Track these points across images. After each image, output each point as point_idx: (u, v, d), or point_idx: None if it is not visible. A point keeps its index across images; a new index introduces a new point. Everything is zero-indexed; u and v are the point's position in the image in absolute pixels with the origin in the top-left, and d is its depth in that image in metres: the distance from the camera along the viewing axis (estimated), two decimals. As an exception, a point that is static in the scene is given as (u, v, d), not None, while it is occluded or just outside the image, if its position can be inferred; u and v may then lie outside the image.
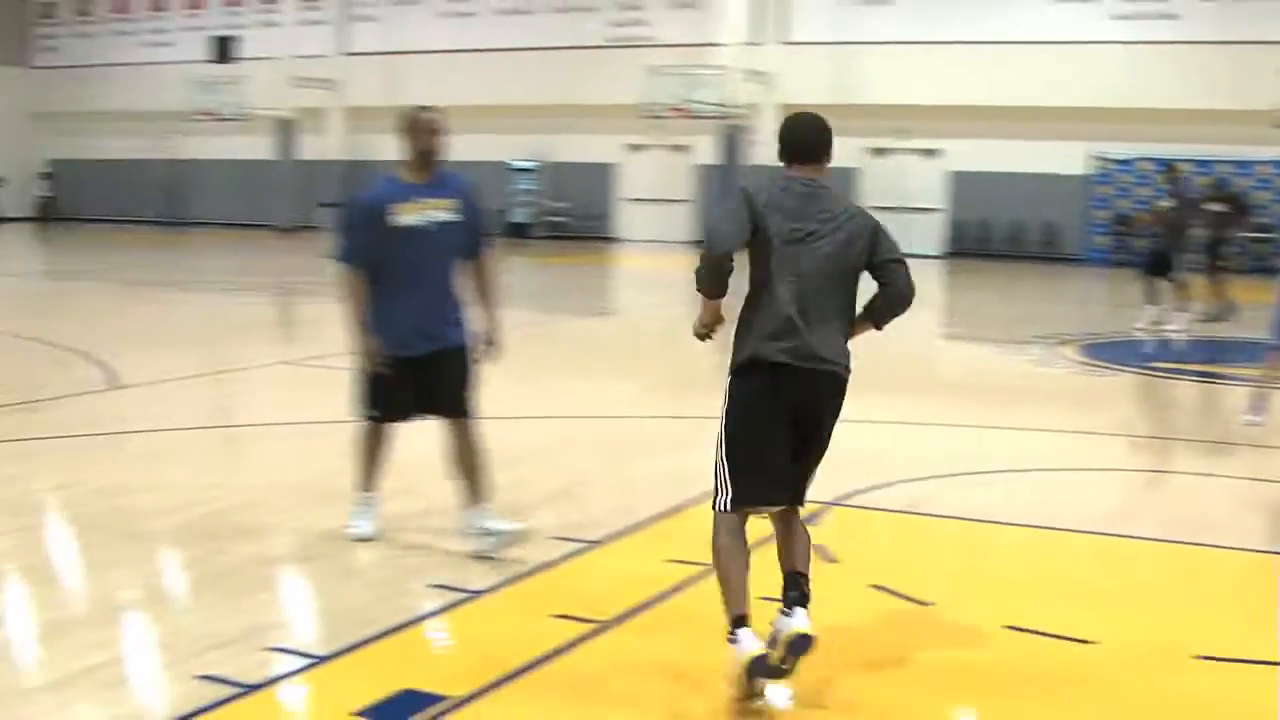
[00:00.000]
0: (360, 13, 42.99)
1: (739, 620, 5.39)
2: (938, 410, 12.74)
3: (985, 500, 9.09)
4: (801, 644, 5.39)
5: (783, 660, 5.38)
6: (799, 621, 5.45)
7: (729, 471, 5.63)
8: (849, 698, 5.55)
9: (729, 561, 5.55)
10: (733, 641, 5.35)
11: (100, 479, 9.19)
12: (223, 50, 41.90)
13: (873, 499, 8.88)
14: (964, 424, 12.01)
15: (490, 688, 5.52)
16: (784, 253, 5.64)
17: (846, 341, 5.78)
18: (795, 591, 5.61)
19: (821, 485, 9.01)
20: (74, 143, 48.18)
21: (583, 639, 6.08)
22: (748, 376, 5.70)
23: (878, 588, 6.96)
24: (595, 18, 39.18)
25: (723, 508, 5.64)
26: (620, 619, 6.18)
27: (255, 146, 42.86)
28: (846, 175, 36.39)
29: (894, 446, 10.89)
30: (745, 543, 5.65)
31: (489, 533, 7.21)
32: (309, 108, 41.57)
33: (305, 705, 5.56)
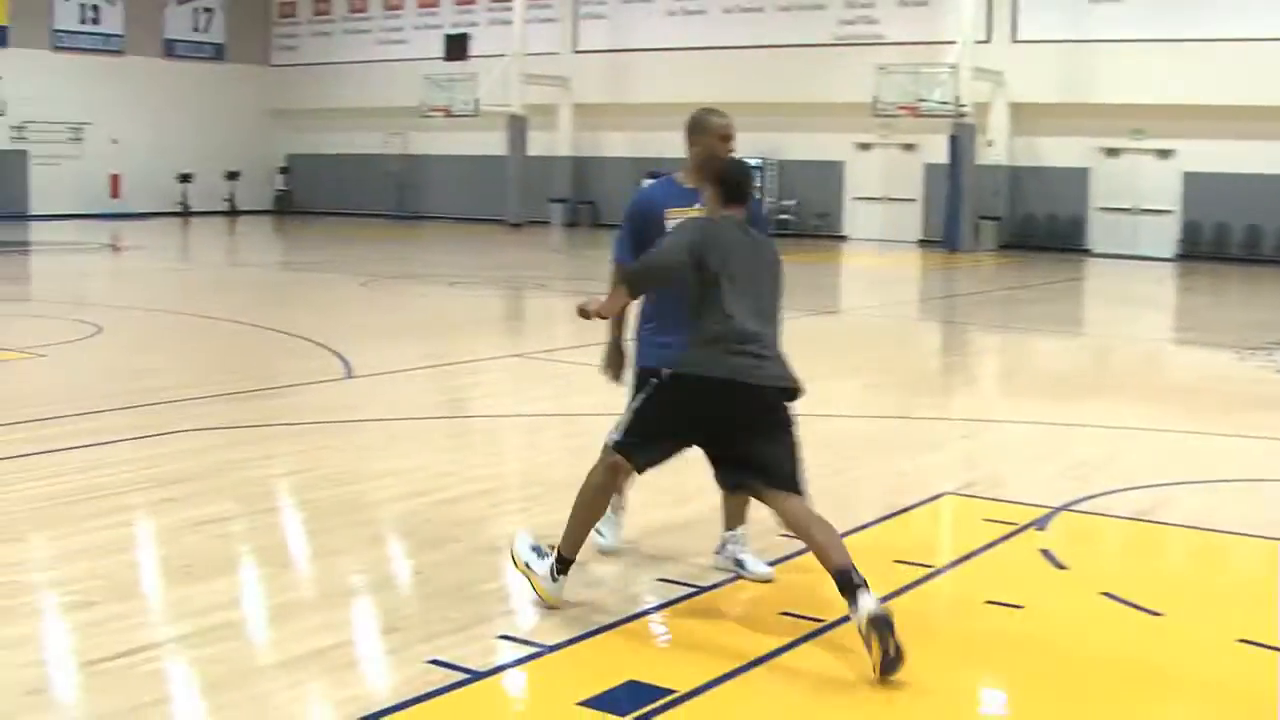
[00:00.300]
0: (590, 10, 43.41)
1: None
2: (1169, 416, 12.40)
3: (1218, 509, 8.81)
4: None
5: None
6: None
7: None
8: (1074, 706, 5.45)
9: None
10: None
11: (333, 466, 9.44)
12: (456, 47, 42.66)
13: (1102, 505, 8.68)
14: (1197, 430, 11.67)
15: (715, 682, 5.53)
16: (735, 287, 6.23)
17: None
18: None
19: (1050, 490, 8.92)
20: (310, 138, 49.57)
21: (807, 637, 6.06)
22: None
23: (1107, 595, 6.81)
24: (824, 16, 38.97)
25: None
26: (844, 619, 6.15)
27: (486, 142, 43.52)
28: (1077, 175, 35.73)
29: (1124, 452, 10.64)
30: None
31: (740, 565, 7.08)
32: (539, 104, 42.12)
33: (531, 693, 5.63)
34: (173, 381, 12.96)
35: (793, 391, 6.24)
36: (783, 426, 6.22)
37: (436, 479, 9.06)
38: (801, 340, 17.51)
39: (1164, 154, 34.99)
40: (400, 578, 7.15)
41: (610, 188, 41.90)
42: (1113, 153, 35.49)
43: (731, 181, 6.41)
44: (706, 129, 7.07)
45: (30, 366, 13.89)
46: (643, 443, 6.27)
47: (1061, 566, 7.28)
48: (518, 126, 41.72)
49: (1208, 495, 9.22)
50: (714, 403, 6.09)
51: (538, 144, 42.75)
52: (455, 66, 42.36)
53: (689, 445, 6.32)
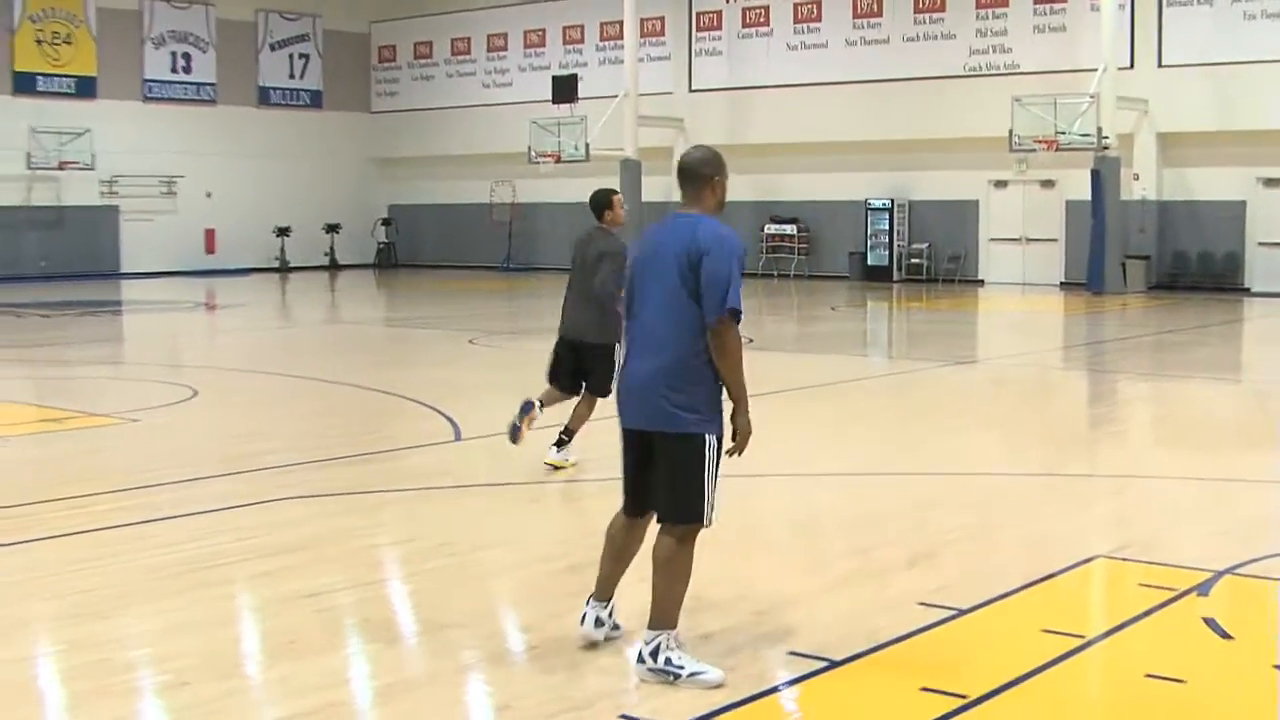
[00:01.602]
0: (705, 46, 43.63)
1: None
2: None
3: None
4: None
5: None
6: None
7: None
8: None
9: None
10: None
11: (442, 533, 9.50)
12: (564, 89, 42.99)
13: (1270, 567, 8.51)
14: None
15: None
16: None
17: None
18: None
19: (1212, 552, 8.77)
20: (413, 187, 50.24)
21: (951, 715, 5.98)
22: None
23: (1280, 668, 6.68)
24: (954, 45, 38.87)
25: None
26: (991, 694, 6.05)
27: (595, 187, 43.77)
28: (1234, 209, 35.25)
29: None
30: None
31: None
32: (653, 147, 42.34)
33: (655, 776, 5.61)
34: (274, 446, 13.13)
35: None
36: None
37: (553, 546, 9.09)
38: (938, 393, 17.43)
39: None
40: (515, 652, 7.15)
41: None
42: (1273, 183, 34.98)
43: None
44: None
45: (125, 432, 14.12)
46: None
47: (1227, 636, 7.14)
48: (632, 171, 41.91)
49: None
50: None
51: (653, 189, 42.97)
52: (564, 109, 42.70)
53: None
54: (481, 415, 14.61)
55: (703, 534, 6.59)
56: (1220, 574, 8.18)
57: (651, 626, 6.50)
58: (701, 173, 6.81)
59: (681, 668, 6.41)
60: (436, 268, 47.65)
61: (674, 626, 6.54)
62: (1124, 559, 8.77)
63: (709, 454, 6.51)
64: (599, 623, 6.97)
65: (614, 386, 7.08)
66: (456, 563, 8.69)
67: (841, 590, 7.26)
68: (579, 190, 46.19)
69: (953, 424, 14.68)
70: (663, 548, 6.55)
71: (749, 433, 6.59)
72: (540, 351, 12.49)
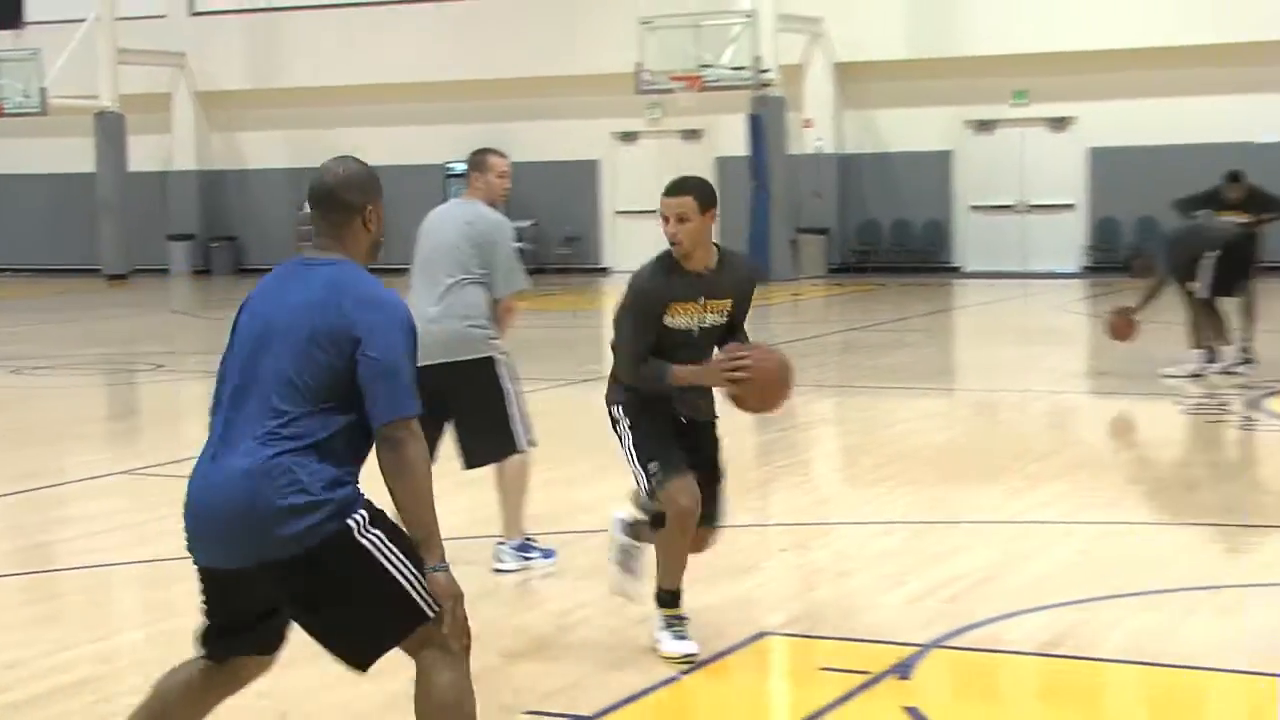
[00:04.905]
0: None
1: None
2: (1084, 500, 12.77)
3: (1168, 631, 9.10)
4: None
5: None
6: None
7: None
8: None
9: None
10: None
11: None
12: (3, 10, 42.01)
13: (991, 635, 8.90)
14: (1127, 519, 12.07)
15: None
16: None
17: None
18: None
19: (915, 620, 9.10)
20: None
21: None
22: None
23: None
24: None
25: None
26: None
27: (63, 153, 42.94)
28: (938, 160, 36.59)
29: (1021, 557, 10.90)
30: None
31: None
32: (142, 94, 41.73)
33: None
34: None
35: None
36: None
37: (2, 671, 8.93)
38: (558, 422, 17.63)
39: (1058, 124, 36.09)
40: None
41: (260, 214, 41.79)
42: (984, 126, 36.45)
43: None
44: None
45: None
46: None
47: (932, 732, 7.48)
48: (111, 128, 41.19)
49: (1149, 612, 9.48)
50: None
51: (145, 154, 42.37)
52: (4, 38, 41.72)
53: None
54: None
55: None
56: (925, 648, 8.51)
57: None
58: (345, 200, 6.35)
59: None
60: None
61: None
62: (800, 635, 9.08)
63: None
64: None
65: None
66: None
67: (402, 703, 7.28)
68: (34, 157, 45.14)
69: (584, 467, 14.88)
70: (436, 694, 6.04)
71: (455, 593, 6.03)
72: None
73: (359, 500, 6.00)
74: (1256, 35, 33.53)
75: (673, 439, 8.53)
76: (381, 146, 40.76)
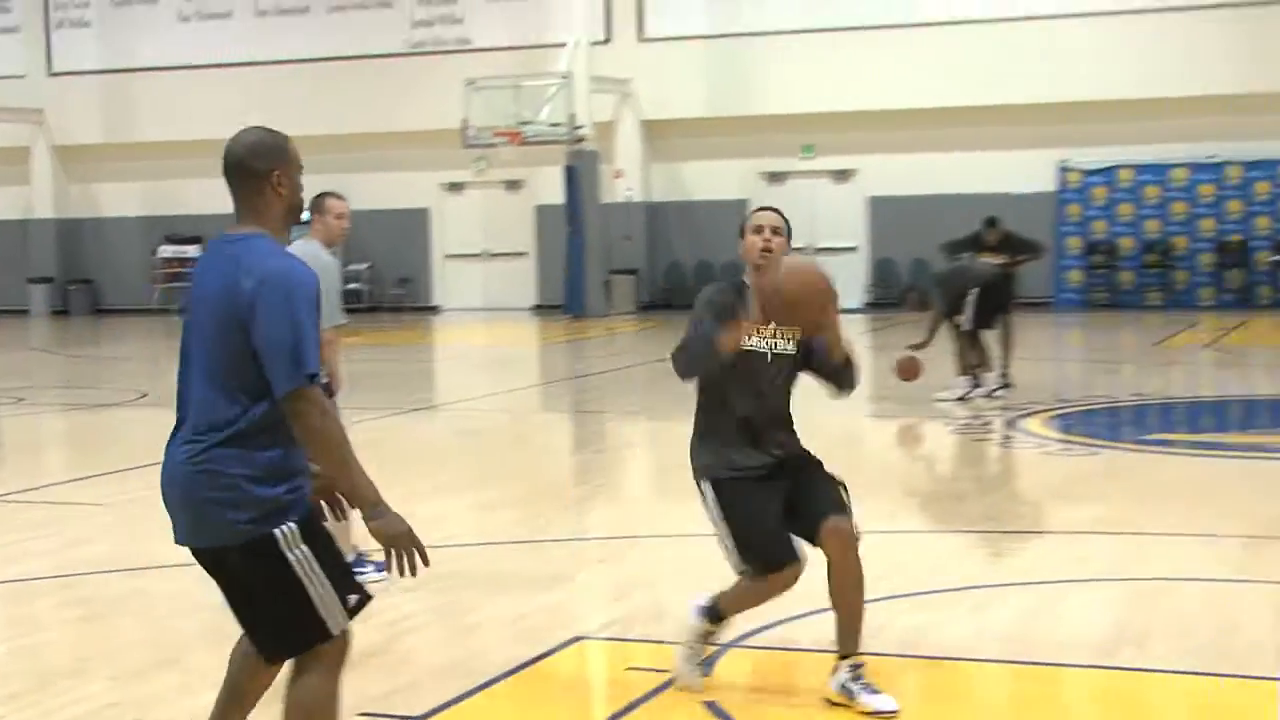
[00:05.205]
0: (69, 16, 42.71)
1: None
2: (860, 511, 12.90)
3: (937, 626, 9.29)
4: None
5: None
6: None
7: None
8: None
9: None
10: None
11: None
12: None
13: (787, 634, 8.98)
14: (901, 529, 12.23)
15: None
16: None
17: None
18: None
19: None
20: None
21: None
22: None
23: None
24: (392, 17, 39.31)
25: None
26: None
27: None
28: (735, 208, 36.79)
29: (813, 563, 10.98)
30: None
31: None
32: (2, 148, 41.33)
33: None
34: None
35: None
36: None
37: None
38: (391, 448, 17.60)
39: (841, 175, 36.45)
40: None
41: (115, 259, 41.41)
42: (776, 178, 36.76)
43: None
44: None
45: None
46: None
47: (734, 725, 7.54)
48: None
49: (919, 612, 9.64)
50: None
51: (6, 204, 41.94)
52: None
53: None
54: None
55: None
56: (725, 647, 8.57)
57: None
58: (251, 167, 5.93)
59: None
60: None
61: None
62: (611, 639, 9.14)
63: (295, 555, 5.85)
64: None
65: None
66: None
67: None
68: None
69: (413, 488, 14.84)
70: (301, 692, 5.96)
71: (395, 534, 5.82)
72: None
73: (294, 508, 5.78)
74: (1013, 99, 34.13)
75: (772, 516, 7.81)
76: (213, 200, 40.54)
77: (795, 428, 8.07)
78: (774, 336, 7.88)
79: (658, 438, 18.69)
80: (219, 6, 41.21)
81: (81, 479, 15.62)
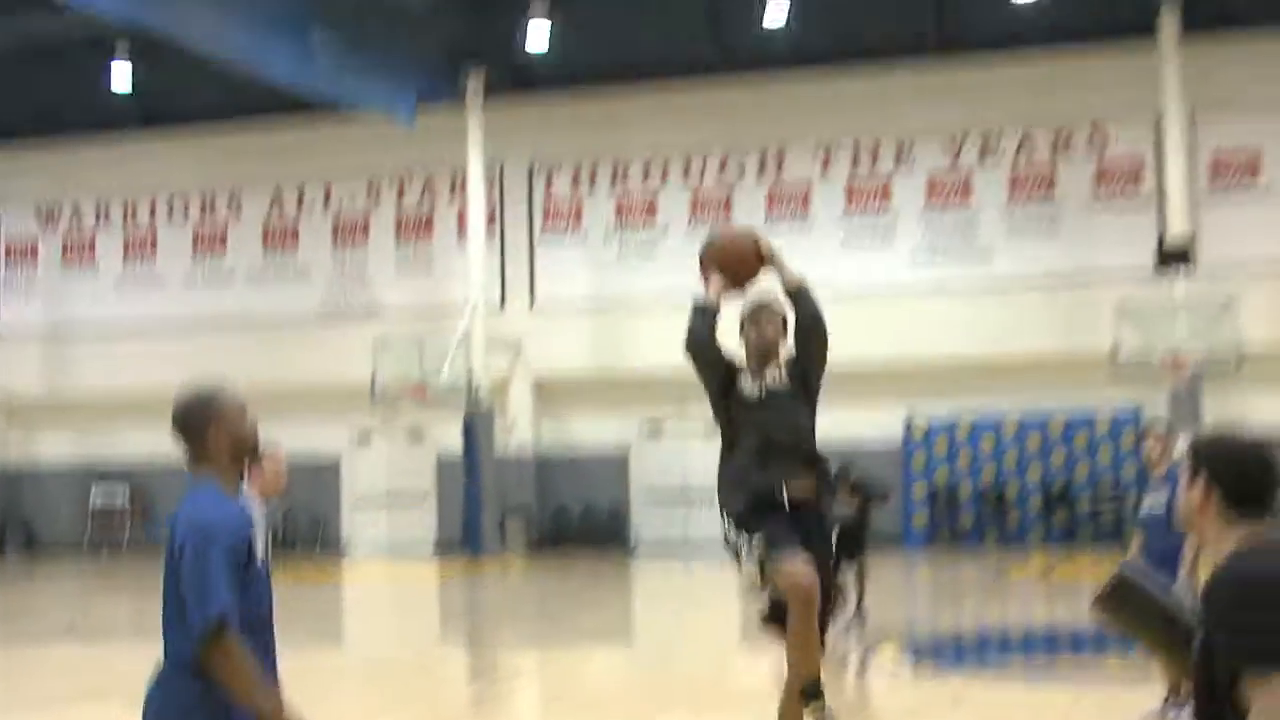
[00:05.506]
0: (12, 278, 42.53)
1: None
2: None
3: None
4: None
5: None
6: None
7: None
8: None
9: None
10: None
11: None
12: None
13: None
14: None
15: None
16: None
17: None
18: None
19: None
20: None
21: None
22: None
23: None
24: (308, 283, 39.51)
25: None
26: None
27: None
28: (617, 462, 37.14)
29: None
30: None
31: None
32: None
33: None
34: None
35: None
36: None
37: None
38: (299, 687, 17.49)
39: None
40: None
41: (51, 503, 41.06)
42: (658, 431, 37.00)
43: None
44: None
45: None
46: None
47: None
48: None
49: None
50: None
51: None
52: None
53: None
54: None
55: None
56: None
57: None
58: (189, 426, 5.99)
59: None
60: None
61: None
62: None
63: None
64: None
65: None
66: None
67: None
68: None
69: (329, 712, 14.76)
70: None
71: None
72: None
73: None
74: (865, 360, 34.55)
75: (787, 528, 8.01)
76: (162, 446, 40.28)
77: (820, 464, 8.42)
78: (764, 380, 8.38)
79: (548, 666, 18.66)
80: (151, 274, 41.15)
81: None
